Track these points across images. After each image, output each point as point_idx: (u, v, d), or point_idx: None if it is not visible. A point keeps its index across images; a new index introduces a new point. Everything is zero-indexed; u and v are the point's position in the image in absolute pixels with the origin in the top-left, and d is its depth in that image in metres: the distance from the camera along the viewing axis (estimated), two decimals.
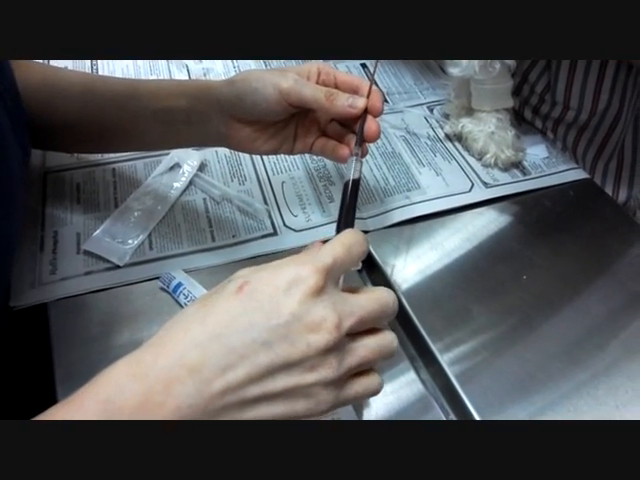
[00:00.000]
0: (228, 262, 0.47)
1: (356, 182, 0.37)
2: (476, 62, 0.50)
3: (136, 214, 0.49)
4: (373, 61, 0.68)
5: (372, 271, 0.49)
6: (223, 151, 0.56)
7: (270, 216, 0.50)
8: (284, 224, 0.50)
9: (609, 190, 0.62)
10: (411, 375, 0.42)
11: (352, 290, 0.29)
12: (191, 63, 0.66)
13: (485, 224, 0.52)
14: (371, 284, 0.49)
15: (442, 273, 0.48)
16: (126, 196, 0.51)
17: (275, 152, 0.44)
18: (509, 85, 0.53)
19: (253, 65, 0.67)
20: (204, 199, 0.51)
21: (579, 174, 0.56)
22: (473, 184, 0.54)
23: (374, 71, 0.42)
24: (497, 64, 0.50)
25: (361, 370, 0.28)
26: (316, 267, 0.26)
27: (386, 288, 0.29)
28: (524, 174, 0.55)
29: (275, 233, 0.49)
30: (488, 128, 0.54)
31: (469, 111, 0.56)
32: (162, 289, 0.44)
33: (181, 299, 0.43)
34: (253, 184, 0.53)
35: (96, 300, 0.44)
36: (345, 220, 0.36)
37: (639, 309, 0.46)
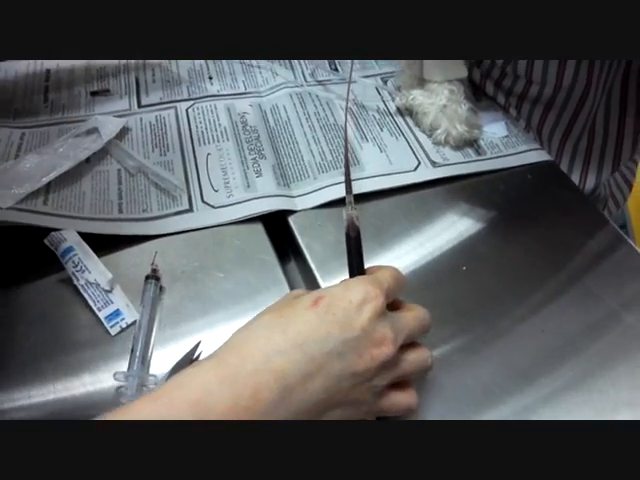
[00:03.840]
0: (133, 235, 0.42)
1: (356, 232, 0.36)
2: None
3: (29, 165, 0.44)
4: None
5: (298, 258, 0.44)
6: (148, 118, 0.51)
7: (188, 191, 0.45)
8: (202, 199, 0.44)
9: (577, 174, 0.57)
10: None
11: (395, 306, 0.33)
12: None
13: (429, 207, 0.47)
14: (300, 273, 0.44)
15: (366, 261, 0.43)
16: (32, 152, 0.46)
17: None
18: None
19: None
20: (118, 170, 0.46)
21: (540, 156, 0.50)
22: (420, 162, 0.48)
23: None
24: None
25: (400, 382, 0.31)
26: (382, 289, 0.30)
27: (421, 307, 0.33)
28: (478, 154, 0.50)
29: (190, 209, 0.44)
30: (440, 101, 0.49)
31: (421, 82, 0.51)
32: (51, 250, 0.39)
33: (69, 266, 0.38)
34: (175, 155, 0.48)
35: None
36: (357, 270, 0.35)
37: (592, 311, 0.40)
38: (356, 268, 0.35)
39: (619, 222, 1.27)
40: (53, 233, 0.39)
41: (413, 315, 0.32)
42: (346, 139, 0.41)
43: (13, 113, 0.50)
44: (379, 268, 0.33)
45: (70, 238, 0.38)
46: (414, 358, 0.31)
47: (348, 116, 0.52)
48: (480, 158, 0.49)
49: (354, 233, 0.36)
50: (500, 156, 0.50)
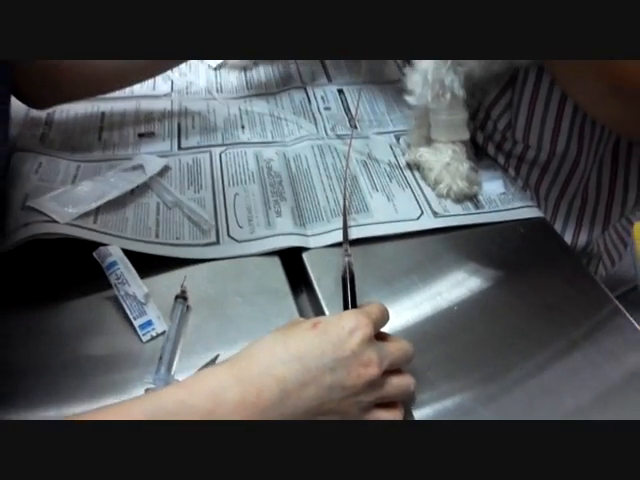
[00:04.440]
0: (168, 256, 0.48)
1: (351, 275, 0.44)
2: (429, 91, 0.51)
3: (84, 190, 0.51)
4: (350, 88, 0.70)
5: (309, 290, 0.50)
6: (186, 159, 0.58)
7: (216, 225, 0.51)
8: (228, 234, 0.51)
9: (570, 231, 0.61)
10: None
11: (382, 337, 0.38)
12: (175, 76, 0.69)
13: (429, 253, 0.52)
14: (309, 303, 0.50)
15: (369, 297, 0.47)
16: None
17: None
18: (463, 117, 0.54)
19: (233, 79, 0.70)
20: (157, 203, 0.53)
21: (532, 212, 0.56)
22: (423, 212, 0.54)
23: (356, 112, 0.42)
24: (447, 94, 0.51)
25: (386, 402, 0.36)
26: (370, 320, 0.36)
27: (405, 340, 0.39)
28: (477, 207, 0.56)
29: (217, 242, 0.50)
30: (444, 158, 0.55)
31: (429, 141, 0.57)
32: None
33: (112, 278, 0.44)
34: (207, 193, 0.55)
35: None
36: (351, 307, 0.42)
37: (565, 354, 0.45)
38: (350, 305, 0.42)
39: (633, 283, 1.30)
40: (101, 248, 0.45)
41: (397, 346, 0.37)
42: (345, 203, 0.47)
43: (71, 149, 0.58)
44: (368, 304, 0.39)
45: (115, 253, 0.45)
46: (398, 382, 0.37)
47: (361, 167, 0.59)
48: (478, 211, 0.55)
49: (349, 277, 0.44)
50: (496, 210, 0.55)
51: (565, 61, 0.44)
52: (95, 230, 0.47)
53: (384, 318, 0.38)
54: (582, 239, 0.61)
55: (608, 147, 0.57)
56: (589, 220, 0.61)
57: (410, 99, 0.54)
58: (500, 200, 0.57)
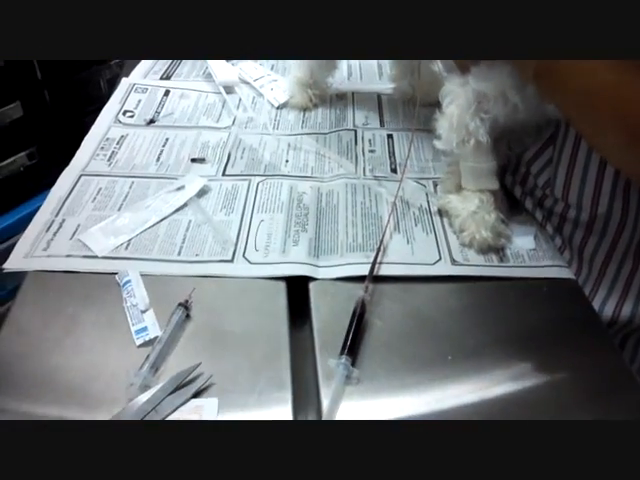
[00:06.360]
0: (182, 275, 0.51)
1: (361, 313, 0.47)
2: (454, 136, 0.51)
3: (129, 219, 0.56)
4: (400, 133, 0.71)
5: (307, 319, 0.50)
6: (226, 185, 0.62)
7: (235, 246, 0.54)
8: (243, 255, 0.53)
9: (614, 301, 0.56)
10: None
11: None
12: (239, 112, 0.75)
13: (438, 300, 0.50)
14: (302, 333, 0.50)
15: (368, 341, 0.47)
16: (131, 206, 0.59)
17: None
18: (490, 166, 0.53)
19: (292, 117, 0.74)
20: (189, 221, 0.57)
21: (561, 272, 0.52)
22: (440, 258, 0.53)
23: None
24: (472, 140, 0.50)
25: None
26: None
27: None
28: (501, 260, 0.53)
29: (231, 261, 0.53)
30: (470, 207, 0.54)
31: (459, 189, 0.56)
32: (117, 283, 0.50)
33: (124, 292, 0.49)
34: (236, 216, 0.58)
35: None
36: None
37: None
38: (351, 338, 0.45)
39: None
40: (122, 270, 0.51)
41: None
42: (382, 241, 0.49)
43: (131, 166, 0.65)
44: None
45: (132, 274, 0.50)
46: None
47: (390, 209, 0.59)
48: (501, 264, 0.53)
49: (358, 313, 0.46)
50: (521, 266, 0.53)
51: (584, 117, 0.42)
52: (125, 258, 0.53)
53: None
54: (626, 310, 0.56)
55: None
56: (637, 289, 0.56)
57: (438, 143, 0.54)
58: (529, 256, 0.54)
